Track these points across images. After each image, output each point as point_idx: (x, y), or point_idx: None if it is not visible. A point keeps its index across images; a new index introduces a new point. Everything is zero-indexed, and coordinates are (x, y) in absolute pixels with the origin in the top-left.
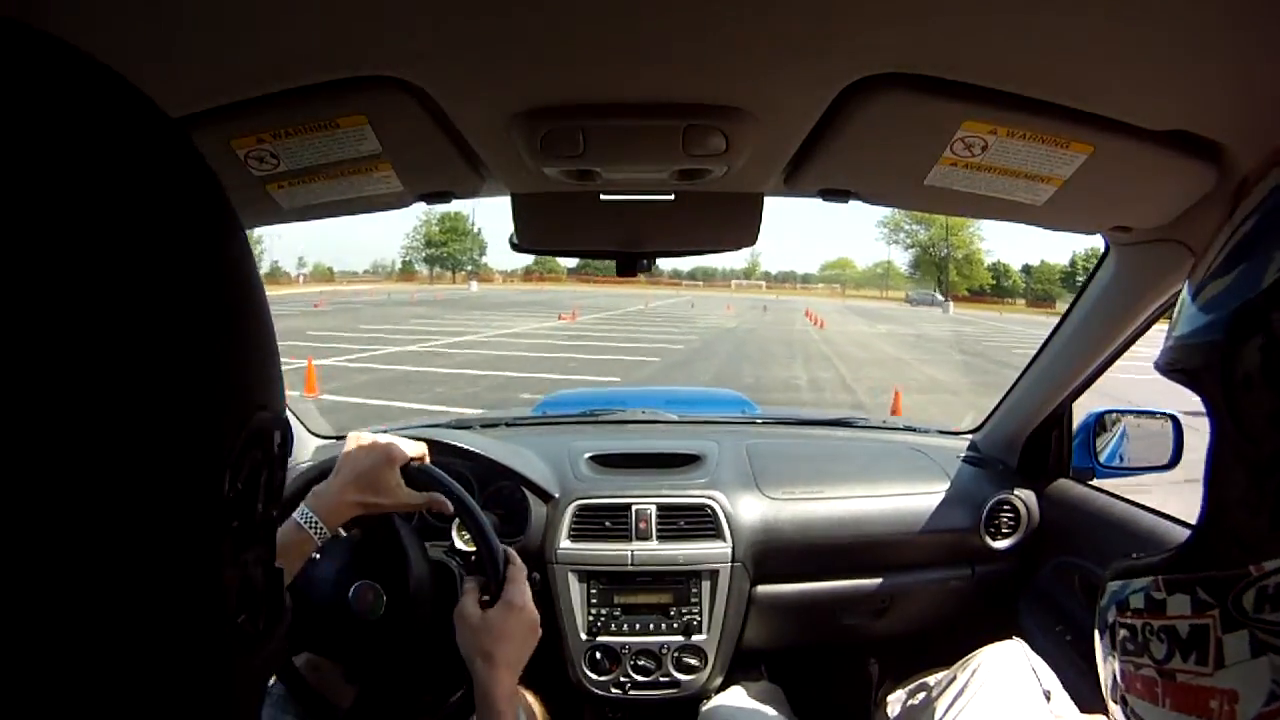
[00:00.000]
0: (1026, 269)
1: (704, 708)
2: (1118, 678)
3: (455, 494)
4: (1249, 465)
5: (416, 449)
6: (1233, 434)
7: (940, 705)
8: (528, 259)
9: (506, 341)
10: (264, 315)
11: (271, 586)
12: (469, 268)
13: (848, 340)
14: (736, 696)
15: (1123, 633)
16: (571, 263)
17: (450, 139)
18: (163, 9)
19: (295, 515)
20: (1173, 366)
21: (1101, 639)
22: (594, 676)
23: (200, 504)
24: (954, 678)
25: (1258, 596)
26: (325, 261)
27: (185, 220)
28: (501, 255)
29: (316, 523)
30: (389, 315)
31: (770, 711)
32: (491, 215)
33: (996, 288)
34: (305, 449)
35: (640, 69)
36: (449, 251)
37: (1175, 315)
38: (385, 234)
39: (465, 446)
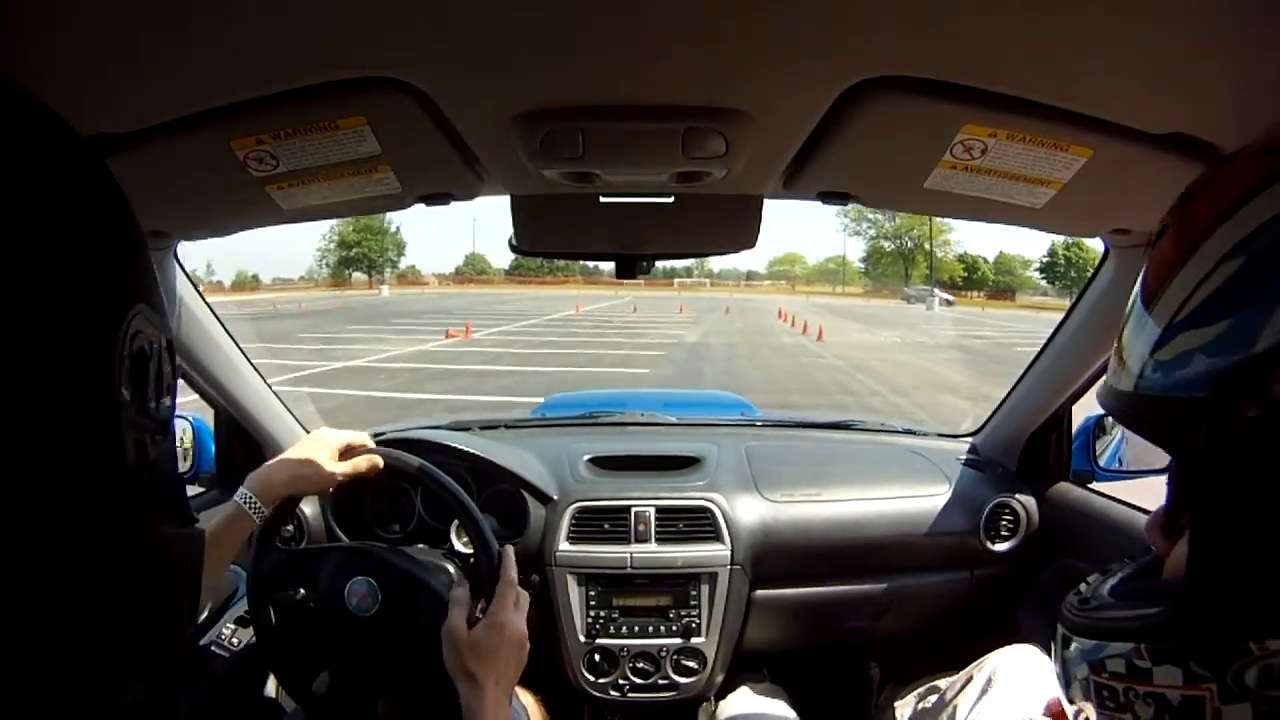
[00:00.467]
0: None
1: (715, 709)
2: None
3: (427, 473)
4: (1242, 539)
5: (356, 437)
6: (1222, 506)
7: (962, 703)
8: (458, 259)
9: (315, 395)
10: (133, 246)
11: (173, 471)
12: (387, 270)
13: (878, 359)
14: (744, 697)
15: (1100, 690)
16: (507, 263)
17: (450, 141)
18: (163, 9)
19: (235, 496)
20: (1132, 415)
21: (1066, 686)
22: (593, 678)
23: (94, 374)
24: (970, 678)
25: (1262, 673)
26: (253, 269)
27: (67, 205)
28: (430, 256)
29: (253, 500)
30: (239, 336)
31: (779, 713)
32: (413, 214)
33: (967, 280)
34: None
35: (640, 71)
36: (363, 252)
37: (1126, 349)
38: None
39: (464, 448)
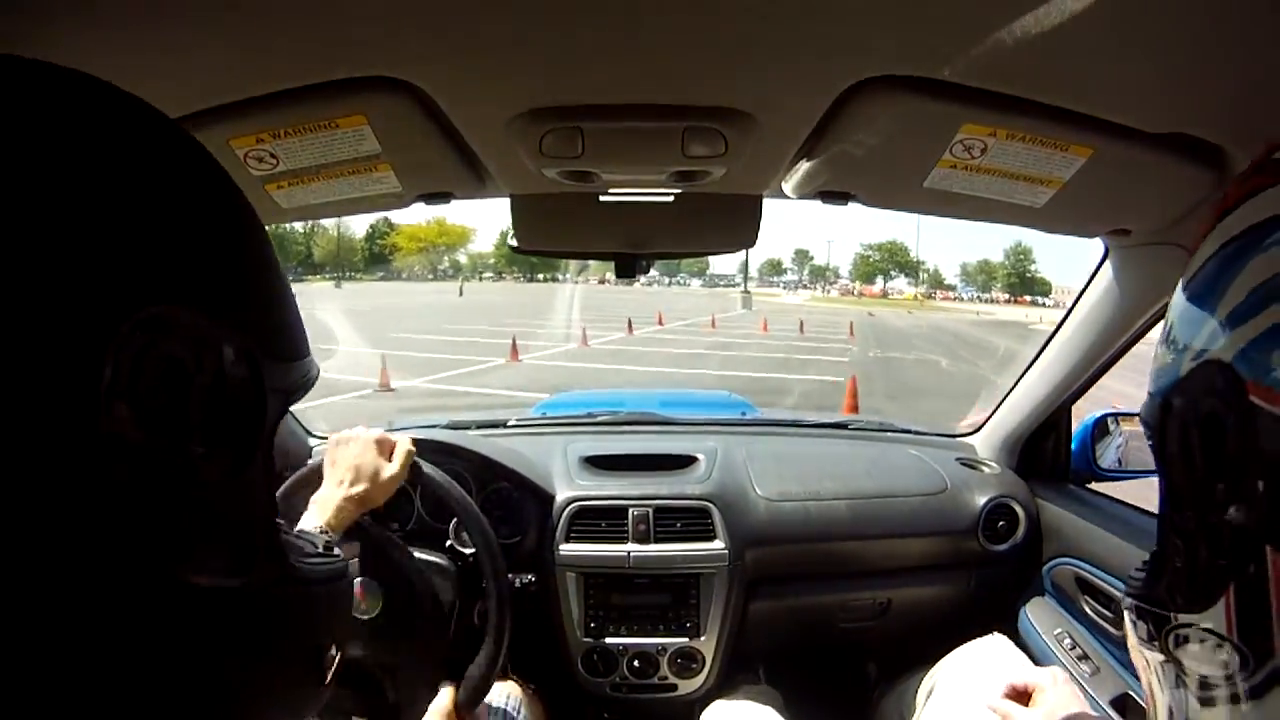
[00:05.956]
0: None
1: (701, 711)
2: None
3: (456, 498)
4: (1175, 525)
5: (387, 434)
6: (1165, 493)
7: (916, 705)
8: None
9: None
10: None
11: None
12: None
13: None
14: (734, 700)
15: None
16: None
17: (449, 140)
18: (164, 8)
19: (309, 533)
20: (1141, 419)
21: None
22: (591, 678)
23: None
24: (933, 679)
25: (1175, 640)
26: None
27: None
28: None
29: (330, 535)
30: None
31: (769, 714)
32: None
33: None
34: (304, 450)
35: (640, 71)
36: None
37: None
38: None
39: (464, 447)
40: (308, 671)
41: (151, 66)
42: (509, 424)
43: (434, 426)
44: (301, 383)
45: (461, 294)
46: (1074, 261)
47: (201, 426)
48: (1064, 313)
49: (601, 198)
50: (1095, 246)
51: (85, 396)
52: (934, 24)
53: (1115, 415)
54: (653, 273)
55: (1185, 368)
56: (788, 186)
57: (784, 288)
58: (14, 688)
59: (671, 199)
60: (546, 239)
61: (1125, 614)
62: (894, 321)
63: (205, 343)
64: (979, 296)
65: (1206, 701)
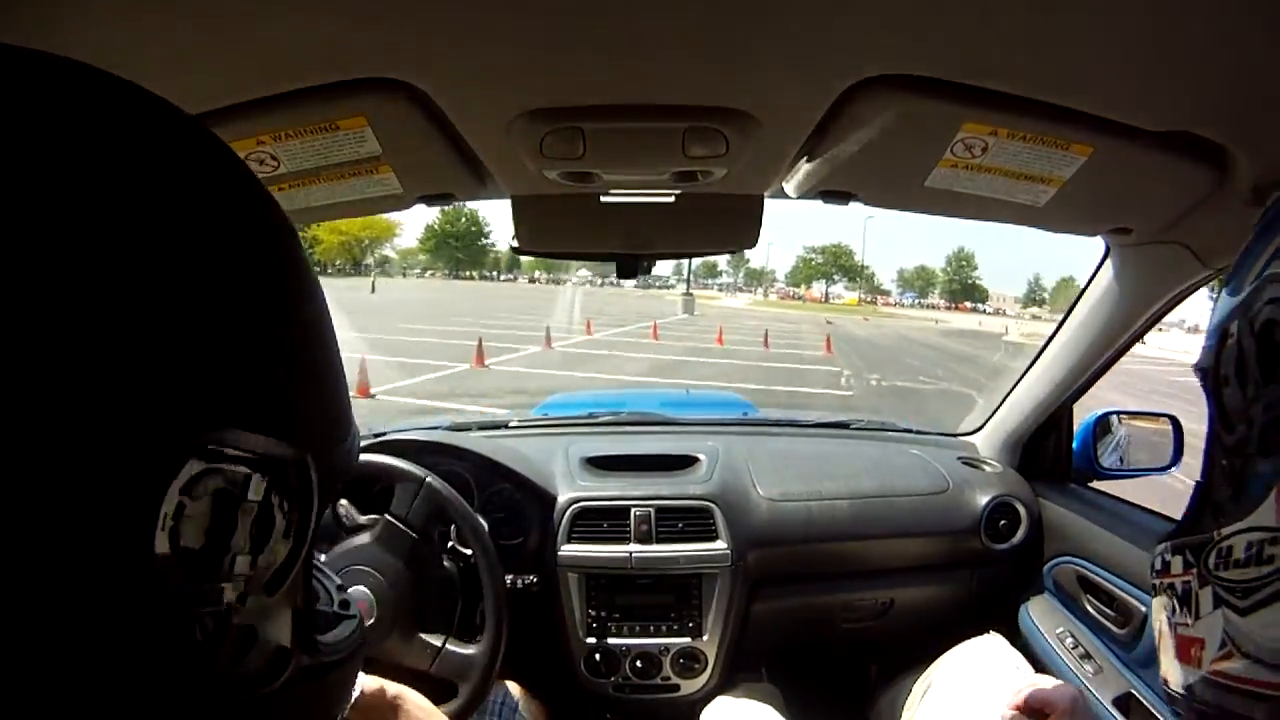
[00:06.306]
0: None
1: (703, 710)
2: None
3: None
4: (1224, 447)
5: None
6: (1216, 421)
7: (910, 705)
8: None
9: None
10: (249, 323)
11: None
12: None
13: None
14: (735, 698)
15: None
16: None
17: (450, 141)
18: (164, 10)
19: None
20: (1196, 367)
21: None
22: (593, 678)
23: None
24: (929, 677)
25: (1217, 556)
26: None
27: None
28: None
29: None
30: None
31: (769, 714)
32: None
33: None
34: None
35: (640, 71)
36: None
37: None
38: None
39: (465, 448)
40: None
41: (149, 69)
42: (510, 425)
43: (436, 428)
44: (351, 460)
45: (374, 290)
46: (1011, 270)
47: (247, 554)
48: (1004, 319)
49: (602, 198)
50: (1035, 257)
51: (133, 538)
52: (934, 23)
53: (1117, 413)
54: (582, 271)
55: (1243, 293)
56: (789, 186)
57: (720, 290)
58: None
59: (672, 199)
60: (547, 240)
61: (1155, 560)
62: (858, 331)
63: (259, 465)
64: (919, 303)
65: (1250, 609)
